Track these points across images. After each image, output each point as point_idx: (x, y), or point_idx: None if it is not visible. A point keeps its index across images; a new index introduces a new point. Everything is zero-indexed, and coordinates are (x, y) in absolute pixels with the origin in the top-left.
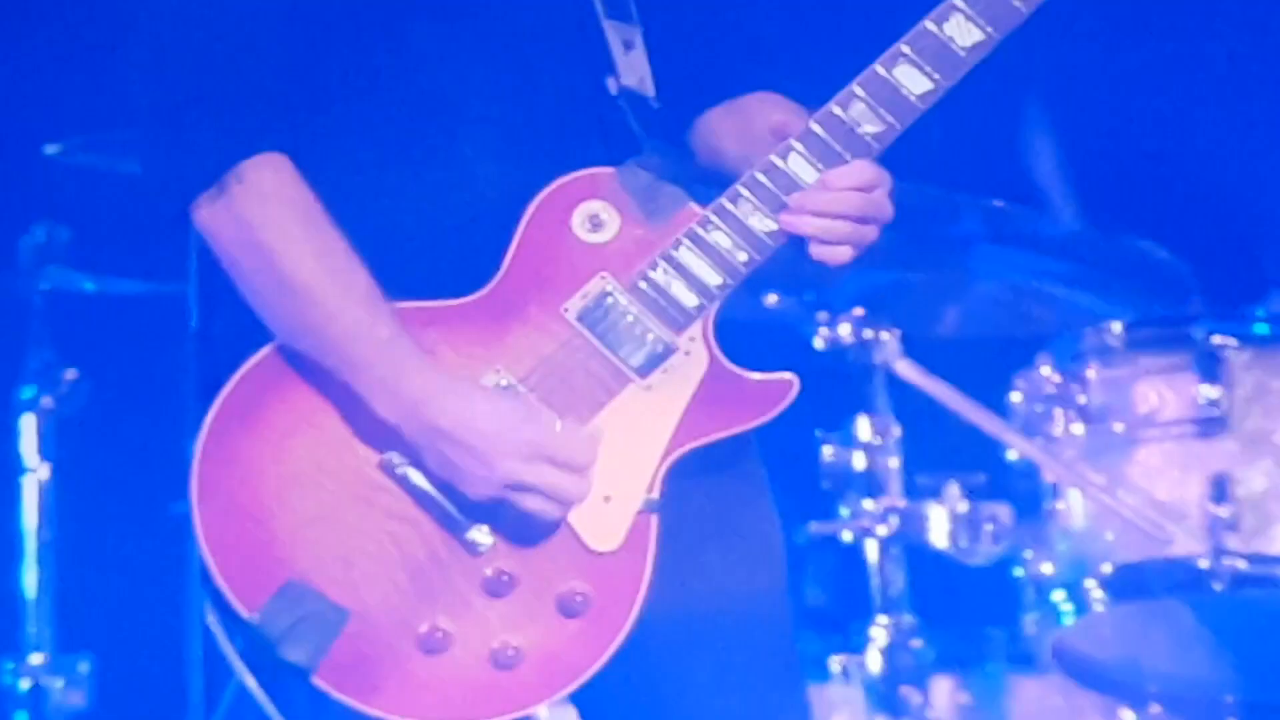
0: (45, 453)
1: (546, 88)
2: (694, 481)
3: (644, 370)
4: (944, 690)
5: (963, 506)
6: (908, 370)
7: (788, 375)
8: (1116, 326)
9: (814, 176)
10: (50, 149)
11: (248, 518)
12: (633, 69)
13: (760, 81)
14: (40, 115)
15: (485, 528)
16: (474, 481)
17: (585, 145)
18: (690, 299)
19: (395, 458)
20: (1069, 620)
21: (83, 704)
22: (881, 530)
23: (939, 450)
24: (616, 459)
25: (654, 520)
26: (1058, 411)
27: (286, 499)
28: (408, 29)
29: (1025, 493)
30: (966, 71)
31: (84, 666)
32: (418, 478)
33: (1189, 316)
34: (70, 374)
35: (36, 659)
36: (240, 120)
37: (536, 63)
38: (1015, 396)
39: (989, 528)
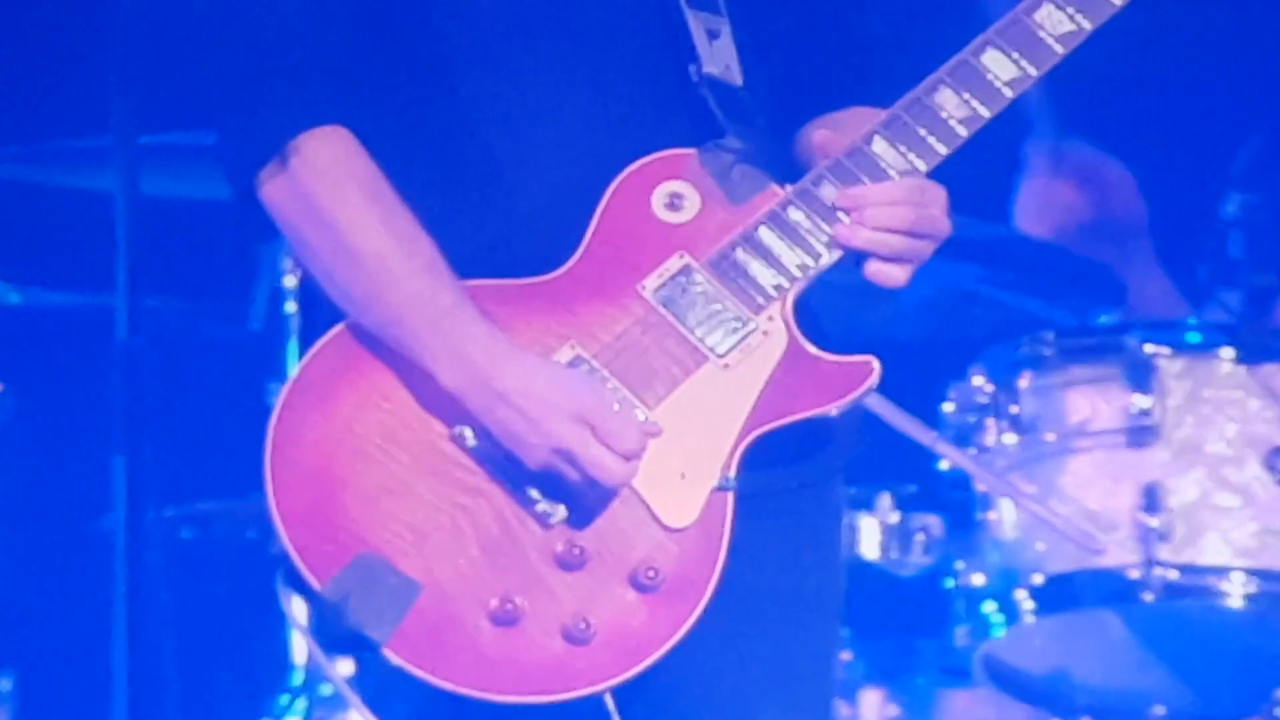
0: None
1: (626, 74)
2: (770, 502)
3: (721, 349)
4: (873, 702)
5: (894, 517)
6: None
7: (868, 357)
8: (1049, 336)
9: (898, 161)
10: None
11: (319, 491)
12: (716, 58)
13: (851, 73)
14: None
15: (557, 500)
16: (528, 448)
17: (667, 130)
18: (769, 279)
19: (466, 431)
20: (1000, 632)
21: None
22: None
23: (870, 461)
24: (692, 436)
25: (730, 499)
26: (990, 422)
27: (358, 472)
28: (483, 11)
29: (957, 503)
30: (1057, 61)
31: (5, 684)
32: (485, 447)
33: (1121, 326)
34: None
35: None
36: (300, 94)
37: (616, 50)
38: (948, 407)
39: (920, 538)
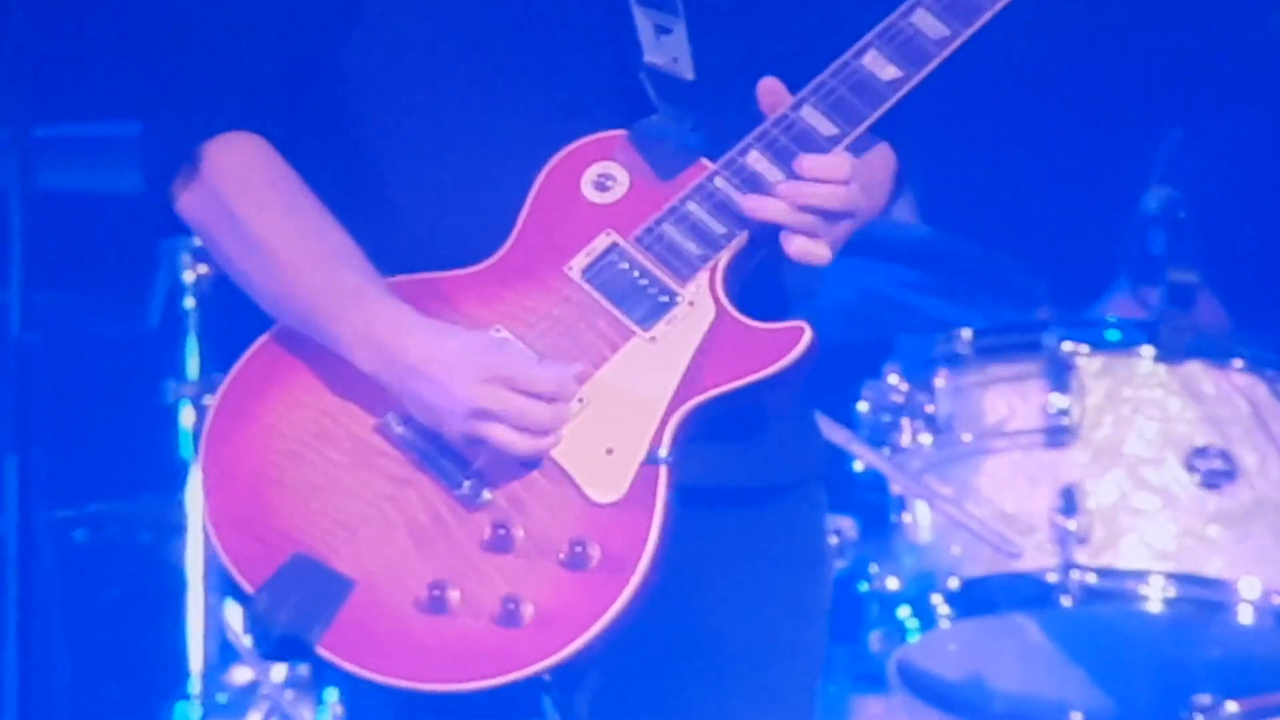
0: None
1: (568, 66)
2: (748, 512)
3: (646, 322)
4: None
5: None
6: None
7: (800, 323)
8: (966, 334)
9: (826, 126)
10: None
11: (251, 495)
12: (663, 50)
13: (805, 69)
14: None
15: (482, 481)
16: (446, 417)
17: (607, 119)
18: (695, 250)
19: (391, 418)
20: (915, 637)
21: None
22: None
23: None
24: (619, 412)
25: (663, 472)
26: (905, 421)
27: (289, 472)
28: (418, 5)
29: (871, 505)
30: (986, 19)
31: None
32: (411, 435)
33: (1040, 324)
34: None
35: None
36: (209, 101)
37: (557, 41)
38: (862, 406)
39: (833, 541)
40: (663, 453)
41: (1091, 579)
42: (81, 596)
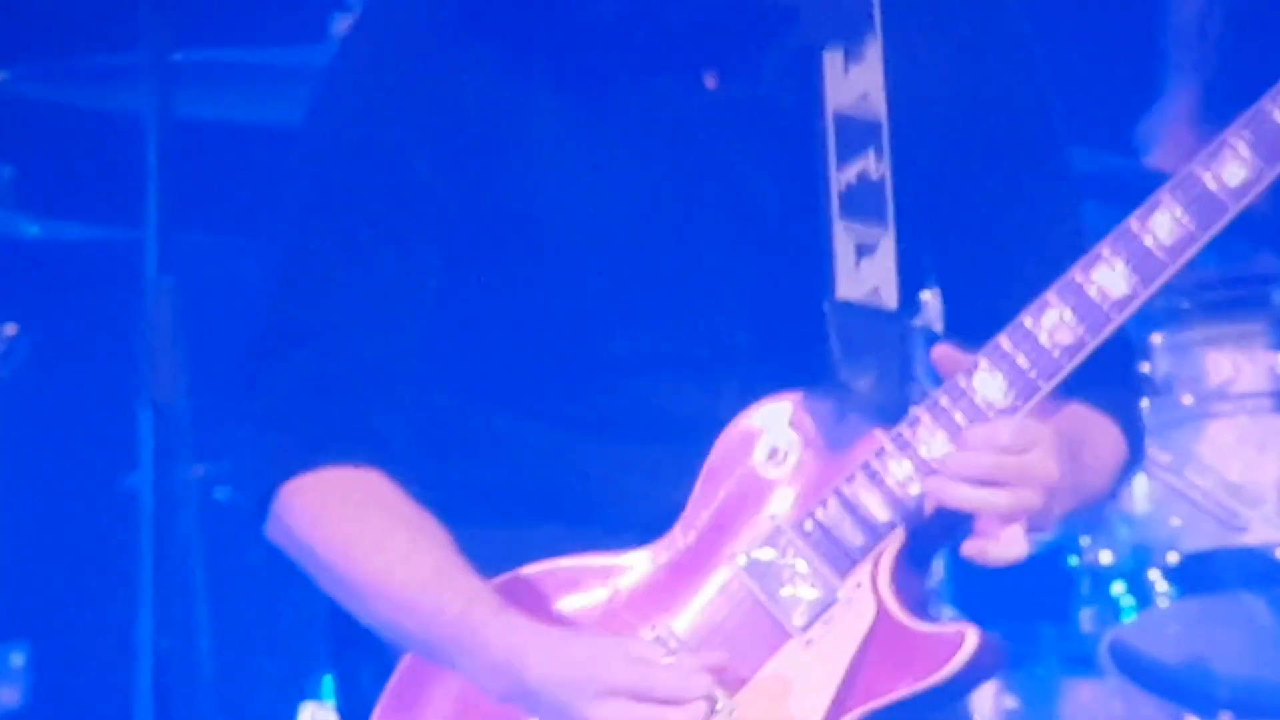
0: None
1: (749, 294)
2: None
3: (804, 624)
4: (988, 694)
5: None
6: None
7: (963, 626)
8: (1186, 288)
9: (1000, 395)
10: None
11: None
12: (862, 278)
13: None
14: None
15: None
16: None
17: (780, 358)
18: (856, 538)
19: None
20: (1130, 616)
21: (17, 701)
22: None
23: None
24: None
25: None
26: None
27: None
28: (594, 223)
29: None
30: (1174, 273)
31: (18, 659)
32: None
33: (1267, 278)
34: (9, 329)
35: None
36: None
37: (742, 265)
38: None
39: None
40: None
41: None
42: (224, 559)
